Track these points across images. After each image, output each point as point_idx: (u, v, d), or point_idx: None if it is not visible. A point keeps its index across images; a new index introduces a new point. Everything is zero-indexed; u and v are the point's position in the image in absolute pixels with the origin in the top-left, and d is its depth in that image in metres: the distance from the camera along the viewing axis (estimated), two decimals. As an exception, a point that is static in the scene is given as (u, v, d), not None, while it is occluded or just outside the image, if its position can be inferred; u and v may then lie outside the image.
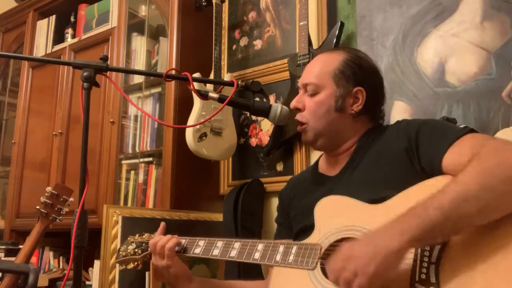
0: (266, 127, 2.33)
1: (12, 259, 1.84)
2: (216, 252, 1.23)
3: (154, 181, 2.33)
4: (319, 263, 1.07)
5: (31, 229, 1.66)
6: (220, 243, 1.24)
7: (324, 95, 1.28)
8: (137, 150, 2.44)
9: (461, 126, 1.18)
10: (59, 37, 3.01)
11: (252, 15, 2.49)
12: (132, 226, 1.81)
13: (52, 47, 2.98)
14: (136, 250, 1.37)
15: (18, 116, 3.02)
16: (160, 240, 1.29)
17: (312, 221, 1.17)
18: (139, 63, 2.57)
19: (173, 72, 1.46)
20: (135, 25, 2.62)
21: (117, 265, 1.70)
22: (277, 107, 1.34)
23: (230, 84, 1.40)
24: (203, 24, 2.44)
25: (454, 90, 1.83)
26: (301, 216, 1.30)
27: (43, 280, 2.38)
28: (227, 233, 2.09)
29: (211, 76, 2.29)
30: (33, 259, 2.64)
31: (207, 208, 2.28)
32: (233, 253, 1.20)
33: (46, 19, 3.08)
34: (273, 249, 1.15)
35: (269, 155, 2.26)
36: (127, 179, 2.43)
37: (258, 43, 2.44)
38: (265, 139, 2.32)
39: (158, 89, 2.44)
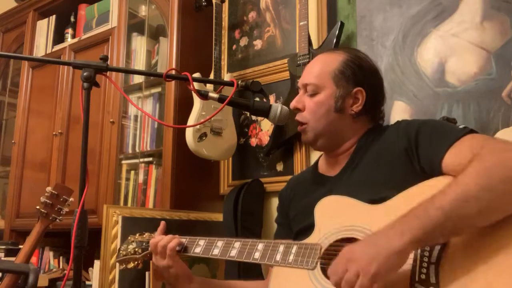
0: (266, 127, 2.33)
1: (12, 259, 1.84)
2: (216, 251, 1.23)
3: (154, 181, 2.33)
4: (319, 263, 1.07)
5: (31, 229, 1.66)
6: (220, 243, 1.24)
7: (324, 96, 1.28)
8: (137, 150, 2.44)
9: (461, 127, 1.18)
10: (59, 37, 3.01)
11: (252, 15, 2.49)
12: (132, 226, 1.81)
13: (52, 47, 2.98)
14: (136, 249, 1.37)
15: (18, 116, 3.02)
16: (162, 240, 1.28)
17: (312, 221, 1.17)
18: (139, 63, 2.57)
19: (173, 72, 1.46)
20: (135, 25, 2.62)
21: (117, 265, 1.71)
22: (277, 107, 1.34)
23: (230, 84, 1.40)
24: (203, 24, 2.44)
25: (454, 90, 1.83)
26: (301, 216, 1.30)
27: (43, 280, 2.38)
28: (227, 233, 2.09)
29: (211, 76, 2.29)
30: (33, 259, 2.64)
31: (207, 208, 2.28)
32: (233, 252, 1.20)
33: (46, 19, 3.08)
34: (273, 248, 1.15)
35: (269, 155, 2.26)
36: (127, 179, 2.43)
37: (258, 43, 2.44)
38: (265, 139, 2.32)
39: (158, 89, 2.44)
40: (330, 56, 1.33)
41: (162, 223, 1.36)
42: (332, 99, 1.28)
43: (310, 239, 1.15)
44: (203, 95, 1.38)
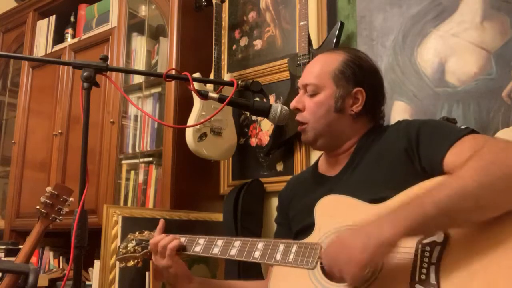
0: (266, 127, 2.33)
1: (12, 259, 1.84)
2: (216, 250, 1.23)
3: (154, 181, 2.33)
4: (319, 263, 1.07)
5: (31, 229, 1.66)
6: (220, 242, 1.24)
7: (324, 96, 1.28)
8: (137, 150, 2.44)
9: (463, 127, 1.18)
10: (59, 37, 3.01)
11: (252, 15, 2.49)
12: (132, 226, 1.80)
13: (52, 47, 2.98)
14: (136, 247, 1.37)
15: (18, 116, 3.02)
16: (162, 240, 1.28)
17: (312, 221, 1.17)
18: (139, 63, 2.57)
19: (173, 72, 1.46)
20: (135, 25, 2.62)
21: (117, 264, 1.71)
22: (277, 107, 1.34)
23: (230, 84, 1.40)
24: (203, 24, 2.44)
25: (454, 90, 1.83)
26: (300, 216, 1.30)
27: (43, 280, 2.38)
28: (227, 233, 2.09)
29: (211, 76, 2.29)
30: (33, 259, 2.64)
31: (207, 208, 2.28)
32: (233, 251, 1.20)
33: (46, 19, 3.08)
34: (273, 248, 1.14)
35: (269, 155, 2.26)
36: (127, 179, 2.43)
37: (258, 43, 2.44)
38: (265, 139, 2.32)
39: (158, 89, 2.44)
40: (330, 56, 1.33)
41: (161, 221, 1.36)
42: (332, 99, 1.27)
43: (310, 239, 1.15)
44: (203, 95, 1.38)
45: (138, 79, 2.51)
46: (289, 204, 1.40)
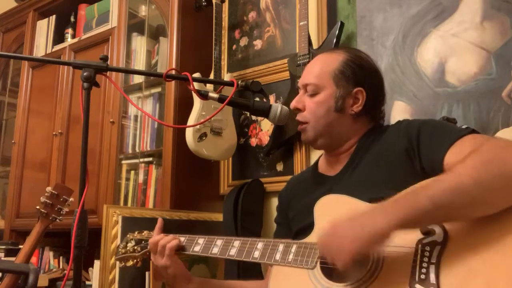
0: (266, 127, 2.33)
1: (12, 259, 1.84)
2: (215, 250, 1.23)
3: (154, 181, 2.33)
4: (318, 263, 1.07)
5: (31, 229, 1.66)
6: (219, 242, 1.24)
7: (324, 96, 1.28)
8: (137, 150, 2.44)
9: (463, 127, 1.18)
10: (59, 37, 3.01)
11: (252, 15, 2.49)
12: (132, 226, 1.80)
13: (52, 47, 2.98)
14: (135, 247, 1.37)
15: (18, 116, 3.02)
16: (162, 239, 1.28)
17: (311, 220, 1.17)
18: (139, 63, 2.57)
19: (173, 72, 1.46)
20: (135, 25, 2.62)
21: (117, 264, 1.71)
22: (277, 107, 1.34)
23: (230, 84, 1.40)
24: (203, 24, 2.44)
25: (454, 90, 1.83)
26: (300, 215, 1.30)
27: (43, 280, 2.38)
28: (227, 233, 2.09)
29: (211, 76, 2.29)
30: (33, 259, 2.64)
31: (207, 208, 2.28)
32: (233, 251, 1.20)
33: (46, 19, 3.08)
34: (272, 248, 1.14)
35: (269, 155, 2.26)
36: (127, 179, 2.43)
37: (258, 43, 2.44)
38: (265, 139, 2.32)
39: (158, 89, 2.44)
40: (330, 56, 1.33)
41: (160, 220, 1.35)
42: (332, 99, 1.27)
43: (310, 238, 1.14)
44: (203, 95, 1.38)
45: (138, 79, 2.51)
46: (289, 204, 1.40)
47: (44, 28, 3.06)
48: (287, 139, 2.14)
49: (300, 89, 1.34)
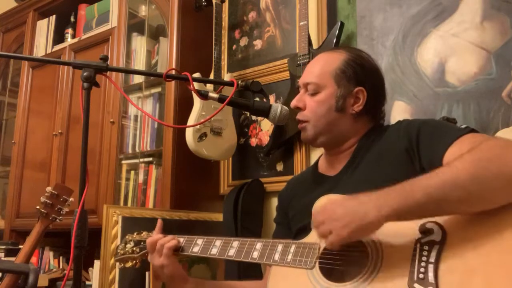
0: (266, 127, 2.33)
1: (12, 259, 1.84)
2: (214, 251, 1.23)
3: (154, 181, 2.33)
4: (317, 263, 1.07)
5: (31, 229, 1.66)
6: (218, 242, 1.24)
7: (324, 95, 1.28)
8: (137, 150, 2.44)
9: (463, 126, 1.18)
10: (59, 37, 3.01)
11: (252, 15, 2.49)
12: (132, 226, 1.80)
13: (52, 47, 2.98)
14: (134, 248, 1.37)
15: (18, 116, 3.02)
16: (161, 239, 1.28)
17: (310, 221, 1.17)
18: (139, 63, 2.57)
19: (173, 72, 1.46)
20: (135, 25, 2.62)
21: (117, 264, 1.71)
22: (277, 107, 1.34)
23: (230, 84, 1.40)
24: (203, 24, 2.44)
25: (454, 90, 1.83)
26: (300, 215, 1.30)
27: (43, 280, 2.38)
28: (227, 233, 2.09)
29: (211, 76, 2.29)
30: (33, 259, 2.64)
31: (207, 208, 2.28)
32: (232, 252, 1.20)
33: (46, 19, 3.08)
34: (271, 248, 1.14)
35: (269, 155, 2.26)
36: (127, 179, 2.43)
37: (258, 43, 2.44)
38: (265, 139, 2.32)
39: (158, 89, 2.44)
40: (331, 55, 1.33)
41: (159, 221, 1.35)
42: (333, 98, 1.27)
43: (309, 238, 1.14)
44: (203, 95, 1.38)
45: (138, 79, 2.51)
46: (289, 204, 1.40)
47: (44, 28, 3.07)
48: (287, 139, 2.14)
49: (301, 88, 1.34)
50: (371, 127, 1.31)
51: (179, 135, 2.18)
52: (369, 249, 1.02)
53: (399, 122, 1.25)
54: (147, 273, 1.80)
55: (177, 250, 1.29)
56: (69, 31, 2.98)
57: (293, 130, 2.04)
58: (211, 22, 2.33)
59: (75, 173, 2.46)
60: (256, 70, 2.39)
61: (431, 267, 0.93)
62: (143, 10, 2.67)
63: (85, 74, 1.24)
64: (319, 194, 1.19)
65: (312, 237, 1.14)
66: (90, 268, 2.25)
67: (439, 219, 0.97)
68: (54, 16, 3.04)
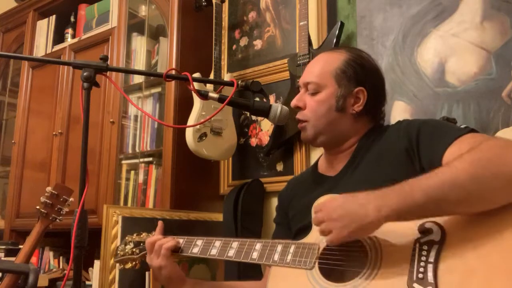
0: (266, 127, 2.33)
1: (12, 259, 1.84)
2: (214, 251, 1.23)
3: (154, 181, 2.33)
4: (317, 263, 1.07)
5: (31, 229, 1.66)
6: (218, 243, 1.24)
7: (325, 94, 1.28)
8: (137, 150, 2.44)
9: (462, 126, 1.18)
10: (59, 37, 3.01)
11: (252, 15, 2.49)
12: (132, 226, 1.81)
13: (52, 47, 2.98)
14: (134, 249, 1.37)
15: (18, 116, 3.02)
16: (160, 240, 1.29)
17: (310, 220, 1.17)
18: (139, 63, 2.57)
19: (173, 72, 1.46)
20: (135, 25, 2.62)
21: (117, 265, 1.71)
22: (277, 107, 1.34)
23: (230, 84, 1.40)
24: (203, 24, 2.44)
25: (454, 90, 1.83)
26: (300, 216, 1.30)
27: (43, 280, 2.38)
28: (227, 233, 2.09)
29: (211, 76, 2.29)
30: (33, 259, 2.64)
31: (207, 208, 2.28)
32: (231, 252, 1.20)
33: (46, 19, 3.08)
34: (271, 248, 1.14)
35: (269, 155, 2.26)
36: (127, 179, 2.43)
37: (258, 43, 2.44)
38: (265, 139, 2.32)
39: (158, 89, 2.44)
40: (332, 55, 1.33)
41: (160, 223, 1.36)
42: (334, 98, 1.27)
43: (308, 239, 1.14)
44: (203, 95, 1.38)
45: (138, 79, 2.51)
46: (289, 204, 1.40)
47: (44, 28, 3.07)
48: (287, 139, 2.14)
49: (301, 88, 1.34)
50: (371, 127, 1.31)
51: (179, 135, 2.18)
52: (368, 249, 1.02)
53: (399, 122, 1.25)
54: (147, 273, 1.80)
55: (176, 251, 1.29)
56: (69, 31, 2.98)
57: (293, 130, 2.04)
58: (211, 22, 2.33)
59: (75, 173, 2.46)
60: (256, 70, 2.39)
61: (430, 267, 0.93)
62: (143, 10, 2.67)
63: (85, 74, 1.24)
64: (319, 194, 1.19)
65: (311, 238, 1.14)
66: (90, 268, 2.25)
67: (439, 219, 0.97)
68: (54, 16, 3.04)
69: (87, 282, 2.30)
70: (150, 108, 2.46)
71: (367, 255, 1.01)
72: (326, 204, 1.03)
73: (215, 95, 1.36)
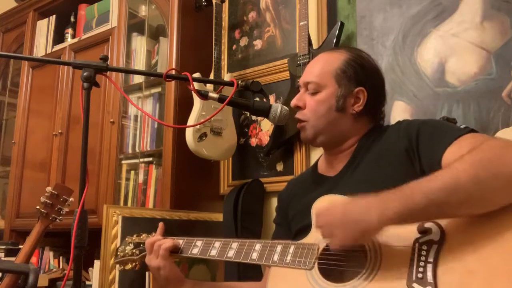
0: (266, 127, 2.33)
1: (12, 259, 1.84)
2: (213, 252, 1.23)
3: (154, 181, 2.33)
4: (316, 263, 1.07)
5: (31, 229, 1.66)
6: (218, 244, 1.24)
7: (325, 94, 1.28)
8: (137, 150, 2.44)
9: (462, 126, 1.18)
10: (59, 37, 3.01)
11: (252, 15, 2.49)
12: (132, 226, 1.81)
13: (52, 47, 2.98)
14: (134, 250, 1.37)
15: (18, 116, 3.02)
16: (159, 240, 1.29)
17: (310, 221, 1.17)
18: (139, 63, 2.57)
19: (173, 72, 1.46)
20: (135, 25, 2.62)
21: (117, 266, 1.71)
22: (277, 107, 1.34)
23: (230, 84, 1.40)
24: (203, 24, 2.44)
25: (454, 90, 1.83)
26: (299, 216, 1.30)
27: (43, 280, 2.38)
28: (227, 233, 2.09)
29: (211, 76, 2.29)
30: (33, 259, 2.64)
31: (207, 208, 2.28)
32: (231, 253, 1.20)
33: (46, 19, 3.08)
34: (270, 249, 1.14)
35: (269, 155, 2.26)
36: (127, 179, 2.43)
37: (258, 43, 2.44)
38: (265, 139, 2.32)
39: (158, 89, 2.44)
40: (332, 55, 1.33)
41: (161, 224, 1.36)
42: (333, 98, 1.27)
43: (308, 239, 1.14)
44: (203, 95, 1.38)
45: (138, 79, 2.51)
46: (288, 205, 1.40)
47: (44, 28, 3.07)
48: (287, 139, 2.14)
49: (301, 88, 1.34)
50: (371, 128, 1.31)
51: (179, 135, 2.18)
52: (367, 249, 1.02)
53: (399, 123, 1.25)
54: (147, 273, 1.80)
55: (176, 251, 1.29)
56: (69, 31, 2.98)
57: (293, 130, 2.04)
58: (211, 22, 2.33)
59: (75, 173, 2.46)
60: (256, 70, 2.39)
61: (429, 267, 0.93)
62: (143, 10, 2.67)
63: (85, 74, 1.24)
64: (319, 194, 1.19)
65: (311, 238, 1.14)
66: (90, 268, 2.25)
67: (438, 219, 0.97)
68: (54, 16, 3.04)
69: (87, 282, 2.30)
70: (150, 108, 2.46)
71: (367, 255, 1.01)
72: (327, 210, 1.02)
73: (215, 95, 1.36)
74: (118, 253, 1.39)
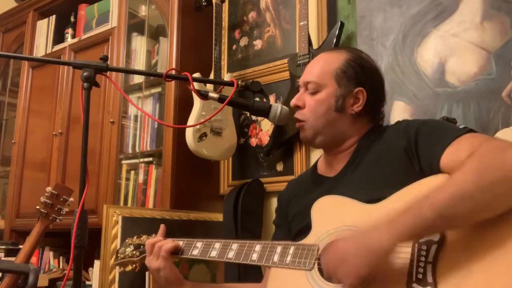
0: (266, 127, 2.33)
1: (12, 259, 1.84)
2: (213, 253, 1.23)
3: (154, 181, 2.33)
4: (316, 264, 1.07)
5: (31, 229, 1.66)
6: (218, 245, 1.24)
7: (325, 94, 1.28)
8: (137, 150, 2.44)
9: (461, 127, 1.18)
10: (59, 37, 3.01)
11: (252, 15, 2.49)
12: (132, 226, 1.81)
13: (52, 47, 2.98)
14: (134, 252, 1.37)
15: (18, 116, 3.02)
16: (159, 241, 1.29)
17: (310, 221, 1.17)
18: (139, 63, 2.57)
19: (173, 72, 1.46)
20: (135, 25, 2.62)
21: (117, 268, 1.71)
22: (277, 107, 1.34)
23: (230, 84, 1.40)
24: (203, 24, 2.44)
25: (454, 90, 1.83)
26: (299, 216, 1.30)
27: (43, 280, 2.38)
28: (227, 233, 2.09)
29: (211, 76, 2.29)
30: (33, 259, 2.64)
31: (207, 208, 2.28)
32: (231, 254, 1.20)
33: (46, 19, 3.08)
34: (270, 250, 1.14)
35: (269, 155, 2.26)
36: (127, 179, 2.43)
37: (258, 43, 2.44)
38: (265, 139, 2.32)
39: (158, 89, 2.44)
40: (332, 55, 1.33)
41: (162, 226, 1.36)
42: (333, 98, 1.27)
43: (308, 240, 1.15)
44: (203, 95, 1.38)
45: (138, 79, 2.51)
46: (288, 205, 1.40)
47: (44, 28, 3.07)
48: (287, 139, 2.14)
49: (301, 87, 1.34)
50: (370, 128, 1.31)
51: (179, 135, 2.18)
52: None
53: (398, 123, 1.25)
54: (147, 273, 1.80)
55: (176, 253, 1.29)
56: (69, 31, 2.98)
57: (293, 130, 2.04)
58: (211, 22, 2.33)
59: (75, 173, 2.46)
60: (256, 70, 2.39)
61: (429, 267, 0.93)
62: (143, 10, 2.67)
63: (85, 74, 1.24)
64: (319, 195, 1.20)
65: (311, 239, 1.14)
66: (90, 268, 2.25)
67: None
68: (54, 16, 3.04)
69: (87, 282, 2.30)
70: (150, 108, 2.46)
71: None
72: (334, 249, 0.99)
73: (215, 95, 1.36)
74: (118, 254, 1.39)
